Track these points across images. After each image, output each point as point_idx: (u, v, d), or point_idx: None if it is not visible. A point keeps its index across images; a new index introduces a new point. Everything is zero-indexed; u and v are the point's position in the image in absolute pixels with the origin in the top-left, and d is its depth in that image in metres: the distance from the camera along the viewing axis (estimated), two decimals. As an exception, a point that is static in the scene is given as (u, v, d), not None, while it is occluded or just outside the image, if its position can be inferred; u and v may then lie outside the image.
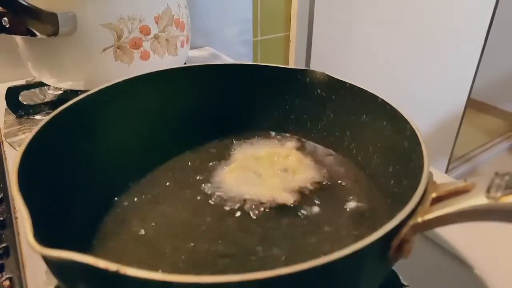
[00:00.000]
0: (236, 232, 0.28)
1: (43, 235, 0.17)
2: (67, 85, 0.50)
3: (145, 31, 0.48)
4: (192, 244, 0.27)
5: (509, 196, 0.18)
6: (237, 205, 0.30)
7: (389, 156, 0.31)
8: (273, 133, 0.40)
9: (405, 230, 0.20)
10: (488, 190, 0.19)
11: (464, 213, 0.19)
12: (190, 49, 0.60)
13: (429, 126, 1.39)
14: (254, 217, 0.29)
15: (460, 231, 0.32)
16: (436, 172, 0.38)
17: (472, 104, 1.81)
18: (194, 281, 0.15)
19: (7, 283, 0.28)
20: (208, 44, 0.83)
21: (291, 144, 0.38)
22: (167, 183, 0.33)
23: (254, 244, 0.27)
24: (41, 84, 0.53)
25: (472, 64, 1.40)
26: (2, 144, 0.46)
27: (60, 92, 0.56)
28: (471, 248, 0.32)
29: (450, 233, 0.33)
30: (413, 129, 0.27)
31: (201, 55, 0.79)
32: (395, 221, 0.19)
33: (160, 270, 0.15)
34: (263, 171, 0.34)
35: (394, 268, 0.27)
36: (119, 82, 0.34)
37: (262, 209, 0.30)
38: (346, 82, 0.34)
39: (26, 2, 0.42)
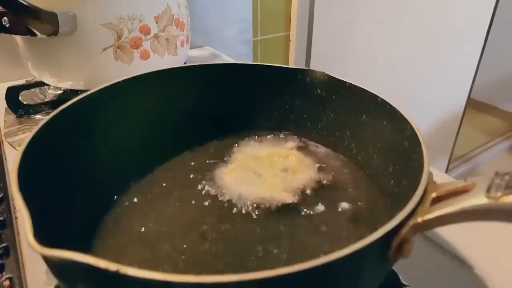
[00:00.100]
0: (236, 232, 0.28)
1: (43, 235, 0.17)
2: (67, 84, 0.50)
3: (145, 30, 0.48)
4: (192, 244, 0.27)
5: (509, 196, 0.18)
6: (237, 205, 0.30)
7: (389, 156, 0.31)
8: (273, 133, 0.40)
9: (405, 230, 0.20)
10: (488, 190, 0.19)
11: (464, 213, 0.19)
12: (190, 49, 0.60)
13: (429, 126, 1.39)
14: (254, 217, 0.29)
15: (460, 231, 0.32)
16: (436, 172, 0.38)
17: (472, 104, 1.81)
18: (194, 281, 0.15)
19: (7, 283, 0.28)
20: (208, 44, 0.83)
21: (291, 144, 0.38)
22: (167, 183, 0.33)
23: (254, 244, 0.27)
24: (41, 84, 0.54)
25: (472, 64, 1.40)
26: (2, 143, 0.46)
27: (60, 91, 0.56)
28: (471, 248, 0.32)
29: (450, 233, 0.33)
30: (413, 129, 0.27)
31: (201, 55, 0.79)
32: (395, 221, 0.19)
33: (160, 270, 0.15)
34: (263, 171, 0.34)
35: (394, 268, 0.27)
36: (119, 82, 0.34)
37: (262, 209, 0.30)
38: (346, 82, 0.34)
39: (26, 2, 0.42)
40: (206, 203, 0.31)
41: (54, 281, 0.26)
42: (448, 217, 0.19)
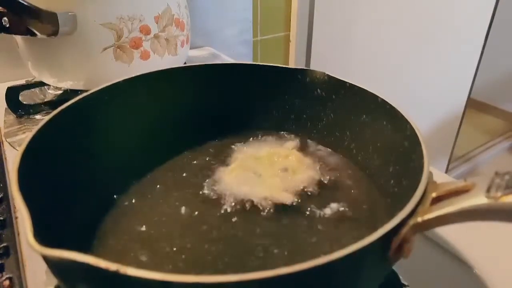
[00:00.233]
0: (236, 232, 0.28)
1: (43, 235, 0.17)
2: (67, 84, 0.50)
3: (145, 30, 0.48)
4: (192, 244, 0.27)
5: (509, 196, 0.18)
6: (237, 205, 0.30)
7: (389, 156, 0.31)
8: (273, 133, 0.40)
9: (405, 230, 0.20)
10: (488, 190, 0.19)
11: (464, 213, 0.19)
12: (190, 49, 0.60)
13: (429, 126, 1.39)
14: (254, 217, 0.29)
15: (460, 231, 0.32)
16: (436, 172, 0.38)
17: (472, 104, 1.81)
18: (194, 281, 0.15)
19: (7, 283, 0.28)
20: (208, 44, 0.83)
21: (291, 144, 0.38)
22: (167, 183, 0.33)
23: (254, 244, 0.27)
24: (41, 84, 0.53)
25: (472, 64, 1.40)
26: (2, 143, 0.46)
27: (60, 91, 0.56)
28: (471, 248, 0.32)
29: (450, 233, 0.33)
30: (413, 128, 0.27)
31: (201, 55, 0.79)
32: (395, 221, 0.19)
33: (160, 270, 0.15)
34: (263, 171, 0.34)
35: (394, 268, 0.27)
36: (119, 82, 0.34)
37: (262, 209, 0.30)
38: (346, 82, 0.34)
39: (26, 2, 0.42)
40: (206, 203, 0.31)
41: (54, 281, 0.26)
42: (448, 217, 0.19)
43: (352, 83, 0.34)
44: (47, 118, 0.27)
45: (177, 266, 0.25)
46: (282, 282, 0.16)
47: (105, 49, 0.46)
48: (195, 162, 0.36)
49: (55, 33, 0.44)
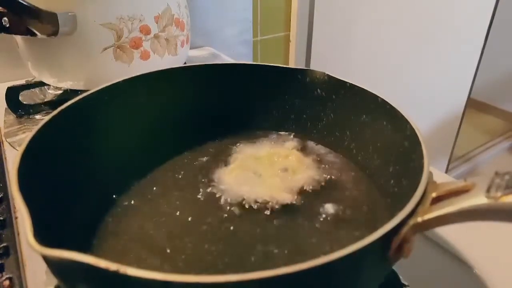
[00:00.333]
0: (236, 232, 0.28)
1: (43, 235, 0.17)
2: (67, 84, 0.50)
3: (145, 30, 0.48)
4: (192, 244, 0.27)
5: (509, 196, 0.18)
6: (237, 205, 0.30)
7: (389, 156, 0.31)
8: (273, 133, 0.40)
9: (405, 230, 0.20)
10: (488, 190, 0.19)
11: (464, 213, 0.19)
12: (190, 49, 0.60)
13: (429, 126, 1.39)
14: (254, 217, 0.29)
15: (460, 231, 0.32)
16: (436, 172, 0.38)
17: (472, 104, 1.81)
18: (194, 281, 0.15)
19: (7, 283, 0.28)
20: (208, 44, 0.83)
21: (291, 144, 0.38)
22: (167, 183, 0.33)
23: (254, 244, 0.27)
24: (41, 84, 0.53)
25: (472, 64, 1.40)
26: (2, 143, 0.46)
27: (60, 91, 0.56)
28: (471, 248, 0.32)
29: (450, 233, 0.33)
30: (413, 128, 0.27)
31: (201, 55, 0.79)
32: (395, 221, 0.19)
33: (160, 270, 0.15)
34: (263, 171, 0.34)
35: (394, 268, 0.27)
36: (119, 82, 0.34)
37: (262, 209, 0.30)
38: (346, 82, 0.34)
39: (26, 2, 0.42)
40: (206, 203, 0.31)
41: (54, 281, 0.26)
42: (448, 217, 0.19)
43: (352, 83, 0.34)
44: (47, 118, 0.27)
45: (177, 266, 0.25)
46: (282, 282, 0.16)
47: (105, 49, 0.46)
48: (195, 162, 0.36)
49: (55, 33, 0.44)
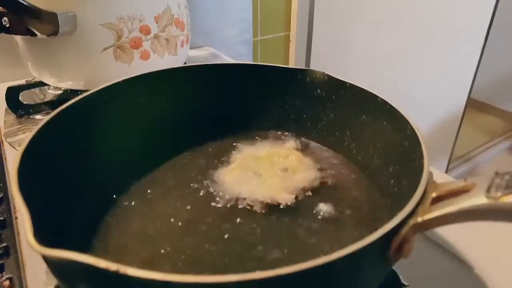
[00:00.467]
0: (236, 232, 0.28)
1: (43, 235, 0.17)
2: (67, 84, 0.50)
3: (145, 30, 0.48)
4: (192, 244, 0.27)
5: (509, 196, 0.18)
6: (237, 205, 0.30)
7: (389, 156, 0.31)
8: (273, 133, 0.40)
9: (405, 230, 0.20)
10: (488, 190, 0.19)
11: (464, 213, 0.19)
12: (190, 49, 0.60)
13: (429, 126, 1.39)
14: (254, 217, 0.29)
15: (460, 231, 0.32)
16: (436, 172, 0.38)
17: (472, 104, 1.81)
18: (194, 281, 0.15)
19: (7, 283, 0.28)
20: (208, 44, 0.83)
21: (291, 144, 0.38)
22: (167, 183, 0.33)
23: (254, 244, 0.27)
24: (41, 84, 0.53)
25: (472, 64, 1.40)
26: (2, 143, 0.46)
27: (60, 91, 0.56)
28: (471, 248, 0.32)
29: (450, 233, 0.33)
30: (413, 128, 0.27)
31: (201, 55, 0.79)
32: (395, 221, 0.19)
33: (160, 270, 0.15)
34: (263, 171, 0.34)
35: (394, 268, 0.27)
36: (119, 82, 0.34)
37: (262, 209, 0.30)
38: (346, 82, 0.34)
39: (26, 2, 0.42)
40: (206, 203, 0.31)
41: (54, 281, 0.26)
42: (448, 217, 0.19)
43: (352, 83, 0.34)
44: (47, 118, 0.27)
45: (177, 266, 0.25)
46: (282, 282, 0.16)
47: (105, 49, 0.46)
48: (195, 162, 0.36)
49: (55, 33, 0.44)
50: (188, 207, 0.31)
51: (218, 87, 0.39)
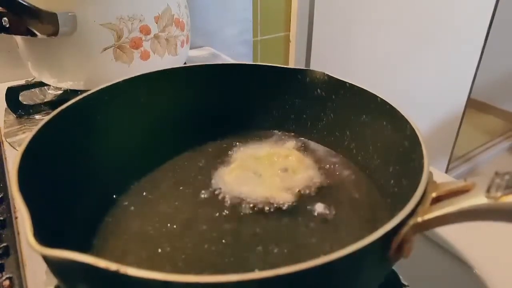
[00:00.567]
0: (236, 232, 0.28)
1: (43, 235, 0.17)
2: (67, 85, 0.50)
3: (145, 31, 0.48)
4: (192, 244, 0.27)
5: (509, 196, 0.18)
6: (237, 205, 0.30)
7: (389, 156, 0.31)
8: (273, 133, 0.40)
9: (405, 230, 0.20)
10: (488, 190, 0.19)
11: (464, 213, 0.19)
12: (190, 49, 0.60)
13: (429, 126, 1.39)
14: (255, 217, 0.29)
15: (460, 231, 0.32)
16: (436, 172, 0.38)
17: (472, 104, 1.81)
18: (194, 281, 0.15)
19: (7, 283, 0.28)
20: (208, 44, 0.83)
21: (291, 144, 0.38)
22: (167, 183, 0.33)
23: (254, 244, 0.27)
24: (41, 84, 0.54)
25: (472, 64, 1.40)
26: (2, 144, 0.46)
27: (60, 92, 0.56)
28: (471, 248, 0.32)
29: (450, 233, 0.33)
30: (413, 128, 0.27)
31: (201, 55, 0.79)
32: (395, 221, 0.19)
33: (160, 270, 0.15)
34: (263, 171, 0.34)
35: (394, 268, 0.27)
36: (119, 82, 0.34)
37: (262, 209, 0.30)
38: (346, 82, 0.34)
39: (26, 2, 0.42)
40: (206, 203, 0.31)
41: (54, 281, 0.26)
42: (448, 217, 0.19)
43: (352, 83, 0.34)
44: (47, 118, 0.27)
45: (177, 266, 0.25)
46: (282, 282, 0.16)
47: (105, 49, 0.46)
48: (195, 162, 0.36)
49: (55, 33, 0.44)
50: (188, 207, 0.31)
51: (218, 87, 0.39)
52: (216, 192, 0.32)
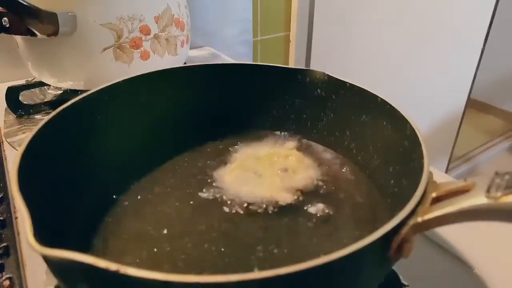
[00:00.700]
0: (236, 232, 0.28)
1: (43, 235, 0.17)
2: (67, 85, 0.50)
3: (145, 31, 0.48)
4: (192, 244, 0.27)
5: (509, 196, 0.18)
6: (237, 205, 0.30)
7: (389, 156, 0.31)
8: (273, 133, 0.40)
9: (405, 230, 0.20)
10: (488, 190, 0.19)
11: (464, 213, 0.19)
12: (190, 49, 0.60)
13: (429, 126, 1.39)
14: (254, 217, 0.29)
15: (460, 231, 0.32)
16: (436, 172, 0.38)
17: (472, 104, 1.81)
18: (194, 281, 0.15)
19: (7, 283, 0.28)
20: (208, 44, 0.83)
21: (291, 144, 0.38)
22: (167, 183, 0.33)
23: (254, 244, 0.27)
24: (41, 84, 0.53)
25: (472, 64, 1.40)
26: (2, 143, 0.46)
27: (60, 91, 0.56)
28: (471, 248, 0.32)
29: (450, 233, 0.33)
30: (413, 128, 0.27)
31: (201, 55, 0.79)
32: (395, 221, 0.19)
33: (160, 270, 0.15)
34: (263, 171, 0.34)
35: (394, 268, 0.27)
36: (119, 82, 0.34)
37: (262, 209, 0.30)
38: (346, 82, 0.34)
39: (26, 2, 0.42)
40: (206, 203, 0.31)
41: (54, 281, 0.26)
42: (448, 217, 0.19)
43: (352, 83, 0.34)
44: (47, 118, 0.27)
45: (177, 266, 0.25)
46: (282, 282, 0.16)
47: (105, 49, 0.46)
48: (195, 162, 0.36)
49: (55, 33, 0.44)
50: (188, 207, 0.31)
51: (218, 87, 0.39)
52: (216, 192, 0.32)
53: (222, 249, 0.27)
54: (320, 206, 0.30)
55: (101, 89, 0.32)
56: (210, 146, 0.38)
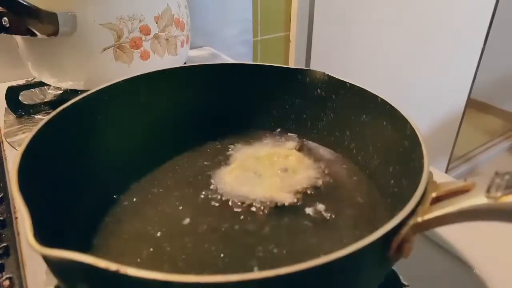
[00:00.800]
0: (236, 232, 0.28)
1: (43, 235, 0.17)
2: (67, 85, 0.50)
3: (145, 31, 0.48)
4: (192, 244, 0.27)
5: (509, 196, 0.18)
6: (237, 205, 0.30)
7: (389, 156, 0.31)
8: (273, 133, 0.40)
9: (405, 230, 0.20)
10: (488, 190, 0.19)
11: (464, 213, 0.19)
12: (190, 49, 0.60)
13: (429, 126, 1.39)
14: (254, 217, 0.29)
15: (460, 231, 0.32)
16: (436, 172, 0.38)
17: (472, 104, 1.81)
18: (194, 281, 0.15)
19: (7, 283, 0.28)
20: (208, 44, 0.83)
21: (291, 144, 0.38)
22: (167, 183, 0.33)
23: (254, 244, 0.27)
24: (41, 84, 0.53)
25: (472, 64, 1.40)
26: (2, 143, 0.46)
27: (60, 91, 0.56)
28: (471, 248, 0.32)
29: (450, 233, 0.33)
30: (413, 128, 0.27)
31: (201, 55, 0.79)
32: (395, 221, 0.19)
33: (160, 270, 0.15)
34: (263, 171, 0.34)
35: (394, 268, 0.27)
36: (119, 82, 0.34)
37: (262, 209, 0.30)
38: (346, 82, 0.34)
39: (26, 2, 0.42)
40: (206, 203, 0.31)
41: (54, 281, 0.26)
42: (448, 217, 0.19)
43: (352, 83, 0.34)
44: (47, 118, 0.27)
45: (177, 266, 0.25)
46: (282, 282, 0.16)
47: (105, 49, 0.46)
48: (195, 162, 0.36)
49: (55, 33, 0.44)
50: (188, 207, 0.31)
51: (218, 87, 0.39)
52: (216, 192, 0.32)
53: (222, 249, 0.27)
54: (320, 206, 0.30)
55: (101, 89, 0.32)
56: (210, 146, 0.38)
